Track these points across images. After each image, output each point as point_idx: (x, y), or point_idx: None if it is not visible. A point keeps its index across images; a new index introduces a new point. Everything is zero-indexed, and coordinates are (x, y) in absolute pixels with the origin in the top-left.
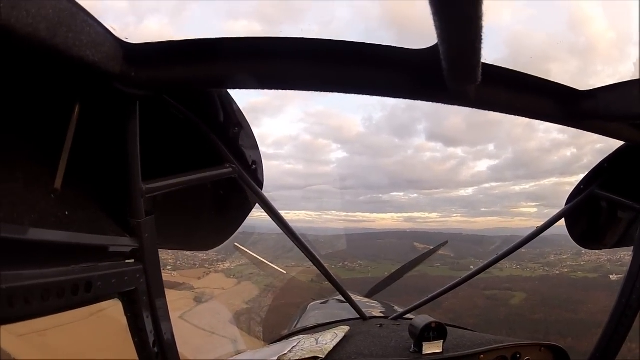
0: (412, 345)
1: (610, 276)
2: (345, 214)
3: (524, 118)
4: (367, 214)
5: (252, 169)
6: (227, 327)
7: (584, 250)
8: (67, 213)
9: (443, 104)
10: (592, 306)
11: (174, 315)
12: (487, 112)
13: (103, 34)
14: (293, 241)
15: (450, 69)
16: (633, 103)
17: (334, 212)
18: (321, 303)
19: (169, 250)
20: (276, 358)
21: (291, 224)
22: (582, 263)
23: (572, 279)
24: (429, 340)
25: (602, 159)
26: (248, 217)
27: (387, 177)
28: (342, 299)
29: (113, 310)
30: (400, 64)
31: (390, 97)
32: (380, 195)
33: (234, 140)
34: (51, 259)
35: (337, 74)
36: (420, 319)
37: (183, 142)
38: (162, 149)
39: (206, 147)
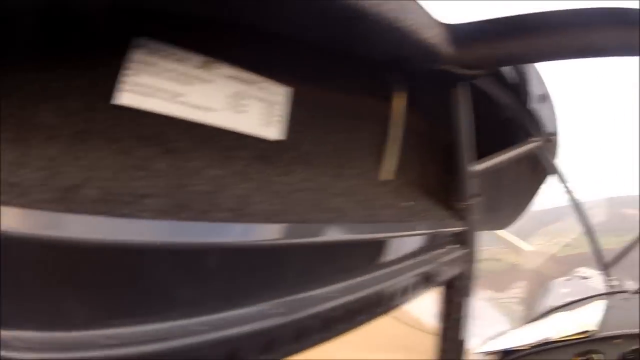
0: None
1: None
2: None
3: None
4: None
5: (551, 140)
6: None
7: None
8: (403, 204)
9: None
10: None
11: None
12: None
13: (431, 19)
14: (578, 214)
15: None
16: None
17: None
18: (565, 280)
19: None
20: (547, 335)
21: None
22: None
23: None
24: None
25: None
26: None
27: None
28: (585, 275)
29: None
30: None
31: None
32: None
33: (538, 115)
34: (391, 254)
35: None
36: None
37: (494, 120)
38: (478, 129)
39: (514, 124)
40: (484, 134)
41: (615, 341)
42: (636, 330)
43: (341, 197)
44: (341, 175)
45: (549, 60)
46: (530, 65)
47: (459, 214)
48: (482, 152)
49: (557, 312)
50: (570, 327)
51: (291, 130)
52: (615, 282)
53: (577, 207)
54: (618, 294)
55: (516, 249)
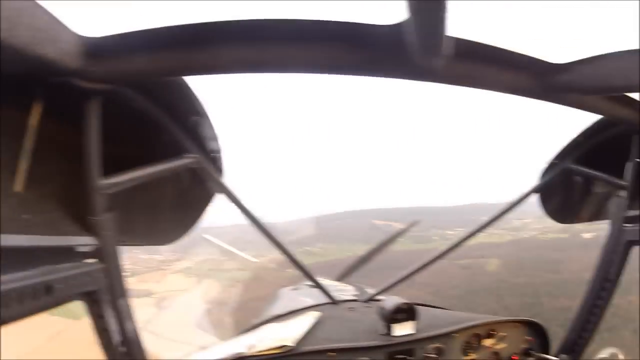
0: (382, 328)
1: (582, 235)
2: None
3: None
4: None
5: (213, 158)
6: (198, 331)
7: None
8: (28, 216)
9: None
10: (574, 265)
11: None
12: None
13: (62, 30)
14: (258, 229)
15: (418, 44)
16: (609, 76)
17: None
18: (292, 290)
19: (124, 256)
20: (245, 349)
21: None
22: (549, 225)
23: (543, 240)
24: (399, 321)
25: (576, 134)
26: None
27: None
28: (312, 284)
29: None
30: (366, 40)
31: (357, 75)
32: None
33: (195, 131)
34: (10, 265)
35: (298, 54)
36: (390, 301)
37: (144, 135)
38: (124, 144)
39: (167, 139)
40: (136, 148)
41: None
42: (333, 345)
43: None
44: None
45: (182, 75)
46: (183, 82)
47: (91, 229)
48: (134, 166)
49: (270, 323)
50: (269, 342)
51: None
52: (346, 292)
53: (256, 223)
54: (344, 303)
55: (242, 260)
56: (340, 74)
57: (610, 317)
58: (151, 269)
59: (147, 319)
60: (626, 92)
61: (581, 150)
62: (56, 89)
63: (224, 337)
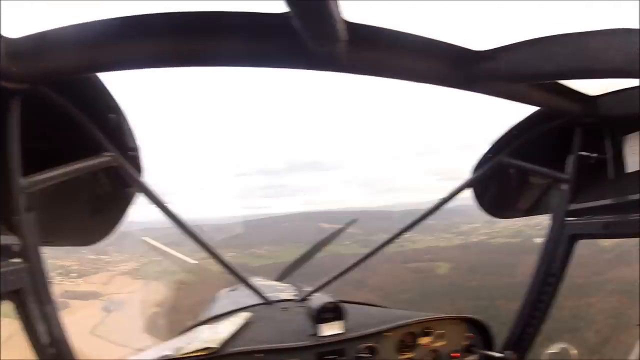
0: (310, 328)
1: (534, 239)
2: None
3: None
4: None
5: (131, 156)
6: (143, 334)
7: (495, 218)
8: None
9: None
10: (528, 269)
11: (84, 331)
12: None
13: None
14: (181, 229)
15: (308, 29)
16: (537, 62)
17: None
18: (230, 291)
19: (72, 256)
20: (173, 351)
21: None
22: (498, 230)
23: (494, 245)
24: (327, 321)
25: (512, 126)
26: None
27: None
28: (252, 285)
29: None
30: (256, 29)
31: (255, 66)
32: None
33: (110, 127)
34: None
35: (193, 47)
36: (317, 300)
37: (62, 133)
38: (44, 143)
39: (85, 137)
40: (56, 147)
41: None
42: (256, 347)
43: None
44: None
45: (96, 72)
46: (99, 80)
47: (14, 228)
48: (55, 165)
49: (202, 325)
50: (195, 344)
51: None
52: (285, 292)
53: (178, 223)
54: (279, 303)
55: (181, 262)
56: (238, 66)
57: (571, 318)
58: (99, 270)
59: (94, 322)
60: (557, 79)
61: (517, 142)
62: None
63: (164, 340)
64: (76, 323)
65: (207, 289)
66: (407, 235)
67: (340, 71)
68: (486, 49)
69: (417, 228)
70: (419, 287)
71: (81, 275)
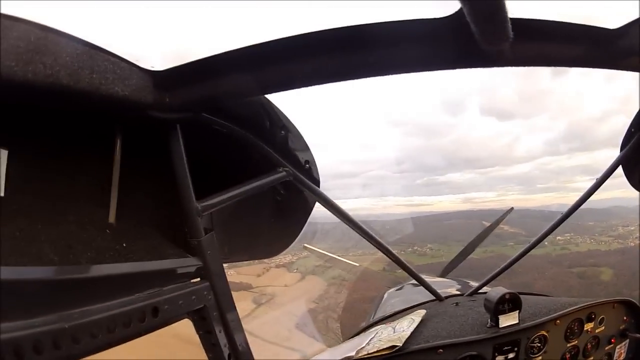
0: (489, 320)
1: None
2: (403, 198)
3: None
4: (425, 197)
5: (306, 169)
6: (299, 333)
7: None
8: (125, 245)
9: (482, 69)
10: None
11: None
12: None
13: (128, 68)
14: (358, 232)
15: (481, 31)
16: None
17: (391, 197)
18: (396, 290)
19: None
20: (354, 352)
21: (351, 213)
22: None
23: None
24: (504, 312)
25: None
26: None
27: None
28: (417, 283)
29: None
30: (428, 35)
31: (426, 71)
32: (437, 177)
33: (283, 144)
34: (115, 291)
35: (365, 59)
36: (494, 292)
37: (234, 155)
38: (214, 165)
39: (257, 156)
40: (228, 168)
41: (423, 354)
42: (437, 343)
43: (47, 243)
44: (58, 223)
45: (254, 95)
46: (263, 100)
47: (193, 250)
48: (228, 186)
49: (378, 325)
50: (378, 344)
51: (12, 186)
52: (450, 288)
53: (358, 228)
54: (449, 299)
55: (344, 265)
56: (407, 72)
57: None
58: (252, 263)
59: (242, 315)
60: None
61: None
62: (135, 121)
63: (327, 340)
64: None
65: (366, 288)
66: (568, 237)
67: (508, 66)
68: (619, 25)
69: (576, 229)
70: (586, 295)
71: (232, 266)
